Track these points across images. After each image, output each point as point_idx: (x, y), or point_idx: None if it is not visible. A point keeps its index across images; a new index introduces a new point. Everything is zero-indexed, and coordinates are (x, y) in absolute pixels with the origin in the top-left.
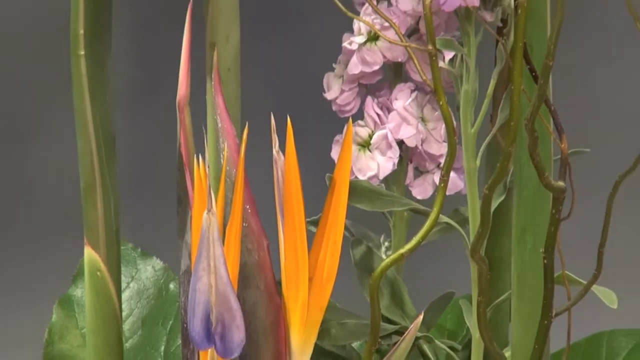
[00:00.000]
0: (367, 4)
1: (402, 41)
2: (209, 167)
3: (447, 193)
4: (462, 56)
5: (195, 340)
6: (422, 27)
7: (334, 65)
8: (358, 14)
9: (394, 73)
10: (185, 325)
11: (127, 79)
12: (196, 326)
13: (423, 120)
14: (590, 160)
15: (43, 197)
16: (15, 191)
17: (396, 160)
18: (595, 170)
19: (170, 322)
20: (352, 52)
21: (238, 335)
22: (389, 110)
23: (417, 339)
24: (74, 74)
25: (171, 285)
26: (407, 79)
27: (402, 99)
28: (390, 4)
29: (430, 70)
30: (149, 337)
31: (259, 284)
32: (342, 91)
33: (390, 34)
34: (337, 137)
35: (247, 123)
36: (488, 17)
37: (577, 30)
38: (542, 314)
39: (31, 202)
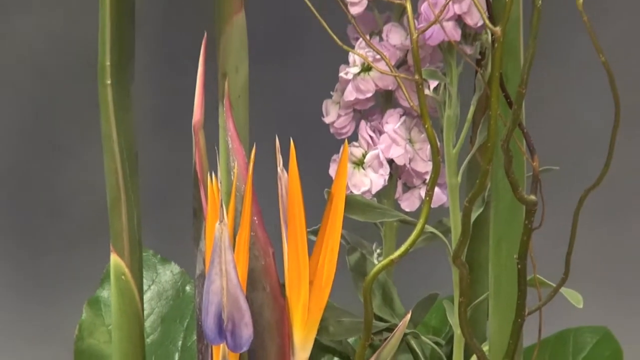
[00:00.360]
0: (361, 39)
1: (392, 72)
2: (221, 183)
3: (432, 206)
4: (445, 85)
5: (209, 336)
6: (409, 59)
7: (331, 92)
8: (353, 47)
9: (384, 100)
10: (199, 323)
11: (149, 105)
12: (209, 324)
13: (410, 141)
14: (559, 176)
15: (75, 209)
16: (52, 204)
17: (387, 177)
18: (564, 185)
19: (187, 320)
20: (347, 81)
21: (247, 332)
22: (380, 132)
23: (405, 335)
24: (101, 101)
25: (187, 288)
26: (396, 105)
27: (392, 123)
28: (381, 39)
29: (417, 97)
30: (168, 333)
31: (265, 287)
32: (339, 116)
33: (382, 65)
34: (334, 157)
35: (254, 144)
36: (468, 50)
37: (547, 61)
38: (516, 313)
39: (64, 214)
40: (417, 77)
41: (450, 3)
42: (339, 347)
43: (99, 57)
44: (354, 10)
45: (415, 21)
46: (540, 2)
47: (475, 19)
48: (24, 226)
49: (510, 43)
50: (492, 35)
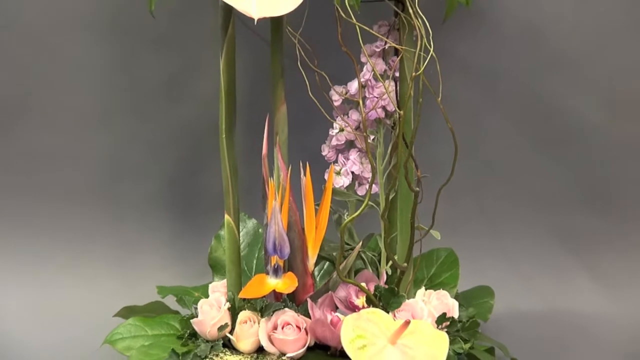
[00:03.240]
0: (338, 117)
1: (353, 132)
2: (274, 182)
3: (372, 192)
4: (377, 138)
5: (269, 252)
6: (362, 125)
7: (326, 141)
8: (334, 119)
9: (350, 144)
10: (265, 246)
11: (243, 144)
12: (269, 246)
13: (361, 163)
14: (432, 180)
15: (212, 197)
16: (211, 191)
17: (350, 179)
18: (436, 183)
19: (259, 245)
20: (332, 136)
21: (286, 249)
22: (347, 159)
23: (359, 252)
24: (221, 146)
25: (259, 230)
26: (355, 146)
27: (353, 155)
28: (347, 116)
29: (364, 143)
30: (251, 250)
31: (295, 229)
32: (329, 151)
33: (348, 129)
34: (327, 170)
35: (290, 165)
36: (388, 121)
37: (426, 110)
38: (410, 240)
39: (207, 198)
40: (364, 134)
41: (380, 98)
42: (329, 257)
43: (219, 120)
44: (336, 102)
45: (364, 108)
46: (421, 99)
47: (391, 107)
48: (193, 203)
49: (407, 118)
50: (399, 115)
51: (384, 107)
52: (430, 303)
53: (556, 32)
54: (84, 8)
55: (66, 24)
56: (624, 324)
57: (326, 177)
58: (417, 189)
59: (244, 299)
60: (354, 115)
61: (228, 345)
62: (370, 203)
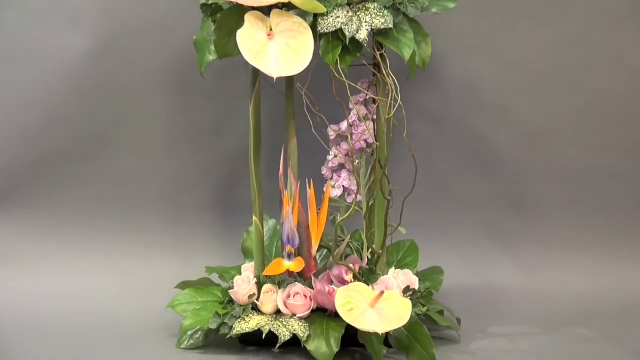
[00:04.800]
0: (333, 147)
1: (344, 158)
2: (288, 193)
3: (357, 200)
4: (359, 162)
5: (284, 242)
6: (350, 153)
7: (324, 164)
8: (330, 148)
9: (341, 166)
10: (281, 237)
11: (266, 166)
12: (284, 238)
13: (350, 180)
14: (400, 191)
15: (244, 203)
16: (233, 201)
17: (342, 191)
18: (401, 193)
19: (277, 237)
20: (329, 161)
21: (297, 241)
22: (340, 176)
23: (348, 243)
24: (250, 167)
25: (278, 227)
26: (345, 168)
27: (344, 174)
28: (340, 146)
29: (352, 166)
30: (271, 242)
31: (302, 227)
32: (327, 171)
33: (340, 155)
34: (325, 185)
35: (299, 180)
36: (368, 150)
37: (396, 142)
38: (384, 234)
39: (240, 204)
40: (352, 159)
41: (363, 133)
42: (327, 246)
43: (249, 151)
44: (331, 136)
45: (351, 141)
46: (392, 134)
47: (371, 140)
48: (230, 208)
49: (382, 148)
50: (376, 145)
51: (365, 140)
52: (398, 279)
53: (486, 86)
54: (153, 68)
55: (143, 81)
56: (538, 296)
57: (324, 189)
58: (389, 198)
59: (267, 276)
60: (344, 146)
61: (255, 308)
62: (356, 208)
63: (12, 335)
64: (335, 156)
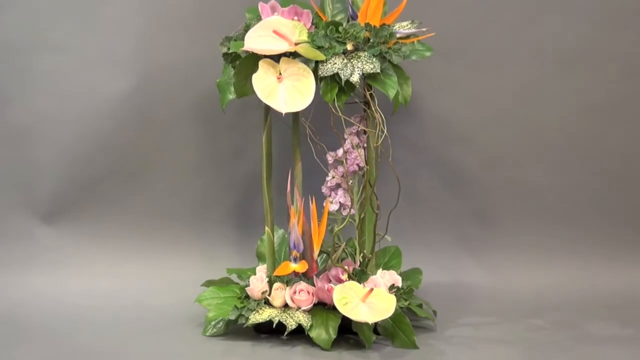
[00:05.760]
0: (331, 169)
1: (339, 179)
2: (294, 208)
3: (351, 214)
4: (352, 181)
5: (291, 248)
6: (345, 175)
7: (324, 184)
8: (328, 171)
9: (338, 186)
10: (288, 244)
11: (276, 186)
12: (291, 244)
13: (345, 197)
14: (385, 206)
15: (258, 216)
16: (249, 214)
17: (338, 206)
18: (387, 207)
19: (285, 244)
20: (327, 181)
21: (301, 247)
22: (337, 194)
23: (344, 248)
24: (262, 186)
25: (285, 236)
26: (341, 187)
27: (340, 192)
28: (336, 168)
29: (346, 185)
30: (280, 247)
31: (306, 235)
32: (326, 190)
33: (337, 176)
34: (325, 201)
35: (303, 197)
36: (360, 172)
37: (382, 166)
38: (373, 241)
39: (255, 217)
40: (347, 180)
41: (355, 158)
42: (326, 252)
43: (262, 173)
44: (330, 161)
45: (346, 164)
46: (379, 159)
47: (362, 164)
48: (247, 220)
49: (371, 171)
50: (366, 168)
51: (357, 164)
52: (384, 278)
53: (457, 120)
54: (184, 104)
55: (175, 115)
56: (499, 292)
57: (324, 205)
58: (377, 211)
59: (277, 276)
60: (341, 169)
61: (267, 302)
62: (350, 220)
63: (68, 325)
64: (333, 177)
